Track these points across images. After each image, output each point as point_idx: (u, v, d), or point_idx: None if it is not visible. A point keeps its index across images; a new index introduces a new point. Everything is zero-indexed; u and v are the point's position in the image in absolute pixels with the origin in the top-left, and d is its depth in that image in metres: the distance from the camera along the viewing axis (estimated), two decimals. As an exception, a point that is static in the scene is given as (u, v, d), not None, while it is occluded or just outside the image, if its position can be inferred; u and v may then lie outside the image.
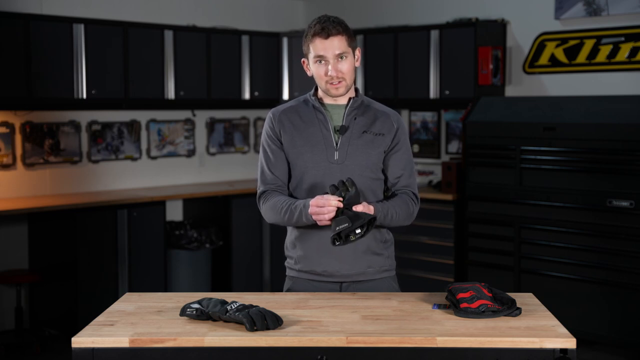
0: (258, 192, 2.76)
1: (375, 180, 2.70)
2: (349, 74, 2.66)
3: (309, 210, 2.51)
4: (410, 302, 2.49)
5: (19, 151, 5.55)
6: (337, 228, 2.43)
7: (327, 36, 2.61)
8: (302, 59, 2.74)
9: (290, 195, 2.74)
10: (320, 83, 2.67)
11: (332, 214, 2.45)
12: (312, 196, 2.62)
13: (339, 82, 2.64)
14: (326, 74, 2.63)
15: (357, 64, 2.72)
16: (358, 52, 2.71)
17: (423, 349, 2.11)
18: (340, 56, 2.62)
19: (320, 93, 2.75)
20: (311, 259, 2.69)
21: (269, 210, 2.70)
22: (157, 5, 6.25)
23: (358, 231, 2.45)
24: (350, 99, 2.72)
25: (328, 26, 2.61)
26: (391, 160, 2.73)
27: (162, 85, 5.97)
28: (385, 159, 2.72)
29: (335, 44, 2.61)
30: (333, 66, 2.62)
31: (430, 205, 5.67)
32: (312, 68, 2.68)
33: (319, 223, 2.50)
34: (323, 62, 2.63)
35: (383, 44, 6.24)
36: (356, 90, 2.76)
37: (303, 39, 2.68)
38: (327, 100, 2.73)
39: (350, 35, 2.67)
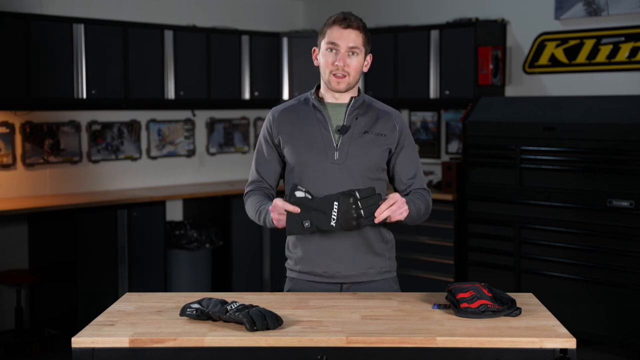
0: (244, 192, 2.83)
1: (376, 181, 2.69)
2: (355, 72, 2.65)
3: (270, 209, 2.58)
4: (410, 302, 2.49)
5: (19, 151, 5.55)
6: (303, 227, 2.49)
7: (346, 26, 2.61)
8: (314, 47, 2.73)
9: (272, 195, 2.79)
10: (325, 73, 2.66)
11: (283, 222, 2.52)
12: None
13: (343, 76, 2.63)
14: (333, 63, 2.62)
15: (366, 69, 2.72)
16: (369, 58, 2.71)
17: (423, 349, 2.11)
18: (352, 50, 2.62)
19: (321, 92, 2.74)
20: (311, 260, 2.69)
21: (248, 210, 2.76)
22: (157, 5, 6.25)
23: (332, 224, 2.47)
24: (352, 98, 2.71)
25: (350, 17, 2.63)
26: (400, 162, 2.72)
27: (162, 85, 5.97)
28: (393, 161, 2.72)
29: (352, 37, 2.61)
30: (342, 57, 2.61)
31: (430, 205, 5.67)
32: (321, 57, 2.67)
33: (279, 226, 2.58)
34: (334, 50, 2.62)
35: (383, 44, 6.24)
36: (358, 89, 2.76)
37: (321, 27, 2.69)
38: (328, 99, 2.71)
39: (368, 37, 2.67)
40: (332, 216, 2.47)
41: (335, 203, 2.47)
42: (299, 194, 2.51)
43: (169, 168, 6.45)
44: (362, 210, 2.46)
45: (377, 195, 2.51)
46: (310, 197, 2.51)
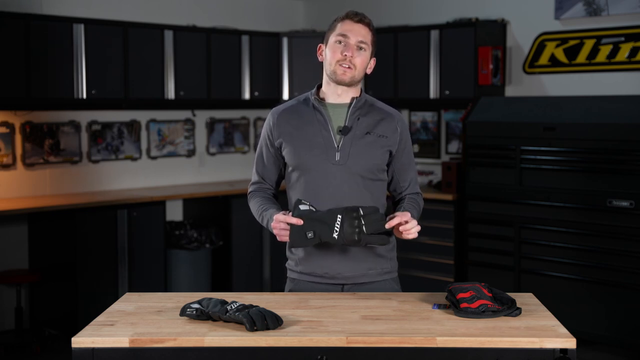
0: (248, 191, 2.87)
1: (377, 182, 2.69)
2: (360, 67, 2.66)
3: (273, 227, 2.59)
4: (410, 302, 2.49)
5: (19, 151, 5.55)
6: (307, 238, 2.50)
7: (358, 20, 2.66)
8: (319, 44, 2.74)
9: (274, 195, 2.83)
10: (331, 64, 2.65)
11: (285, 236, 2.53)
12: (312, 199, 2.62)
13: (349, 67, 2.63)
14: (342, 53, 2.62)
15: (369, 71, 2.73)
16: (373, 62, 2.72)
17: (423, 349, 2.11)
18: (360, 45, 2.64)
19: (322, 91, 2.73)
20: (312, 260, 2.68)
21: (252, 211, 2.79)
22: (157, 5, 6.25)
23: (335, 235, 2.49)
24: (353, 98, 2.70)
25: (362, 14, 2.68)
26: (400, 165, 2.73)
27: (162, 85, 5.97)
28: (393, 163, 2.72)
29: (362, 32, 2.65)
30: (351, 48, 2.63)
31: (430, 205, 5.67)
32: (328, 50, 2.67)
33: (279, 239, 2.58)
34: (343, 42, 2.63)
35: (383, 44, 6.23)
36: (360, 89, 2.76)
37: (331, 23, 2.70)
38: (330, 99, 2.71)
39: (375, 38, 2.70)
40: (335, 228, 2.49)
41: (339, 216, 2.50)
42: (303, 207, 2.53)
43: (169, 168, 6.45)
44: (364, 227, 2.49)
45: (381, 215, 2.54)
46: (314, 210, 2.54)
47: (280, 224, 2.54)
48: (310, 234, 2.50)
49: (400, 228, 2.52)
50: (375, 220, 2.50)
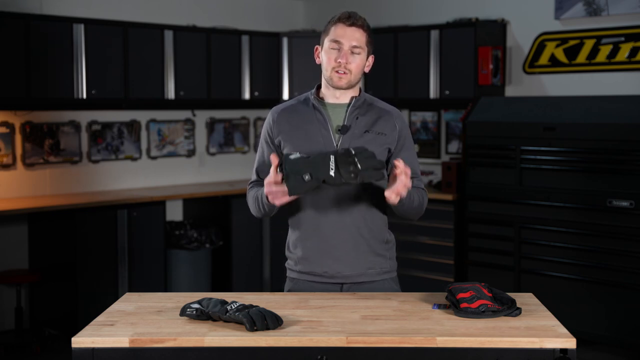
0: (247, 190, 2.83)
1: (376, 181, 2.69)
2: (356, 71, 2.65)
3: (265, 191, 2.53)
4: (410, 302, 2.49)
5: (19, 151, 5.55)
6: (304, 181, 2.43)
7: (351, 24, 2.63)
8: (316, 46, 2.74)
9: None
10: (327, 70, 2.65)
11: (283, 195, 2.46)
12: (311, 197, 2.62)
13: (344, 73, 2.63)
14: (336, 60, 2.62)
15: (367, 70, 2.72)
16: (371, 59, 2.71)
17: (423, 349, 2.11)
18: (354, 50, 2.63)
19: (321, 91, 2.74)
20: (312, 260, 2.68)
21: (250, 205, 2.74)
22: (157, 5, 6.25)
23: (332, 173, 2.43)
24: (352, 98, 2.71)
25: (355, 16, 2.66)
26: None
27: (162, 85, 5.97)
28: (392, 161, 2.71)
29: (356, 35, 2.63)
30: (345, 54, 2.62)
31: (430, 205, 5.59)
32: (324, 54, 2.67)
33: (277, 202, 2.51)
34: (337, 48, 2.63)
35: (383, 44, 6.24)
36: (359, 89, 2.75)
37: (325, 25, 2.69)
38: (329, 99, 2.71)
39: (371, 37, 2.69)
40: (330, 166, 2.44)
41: (332, 156, 2.46)
42: (293, 156, 2.47)
43: (169, 168, 6.45)
44: (358, 163, 2.43)
45: (372, 152, 2.48)
46: (305, 156, 2.49)
47: (271, 186, 2.47)
48: (307, 177, 2.43)
49: (397, 171, 2.45)
50: (367, 157, 2.45)
